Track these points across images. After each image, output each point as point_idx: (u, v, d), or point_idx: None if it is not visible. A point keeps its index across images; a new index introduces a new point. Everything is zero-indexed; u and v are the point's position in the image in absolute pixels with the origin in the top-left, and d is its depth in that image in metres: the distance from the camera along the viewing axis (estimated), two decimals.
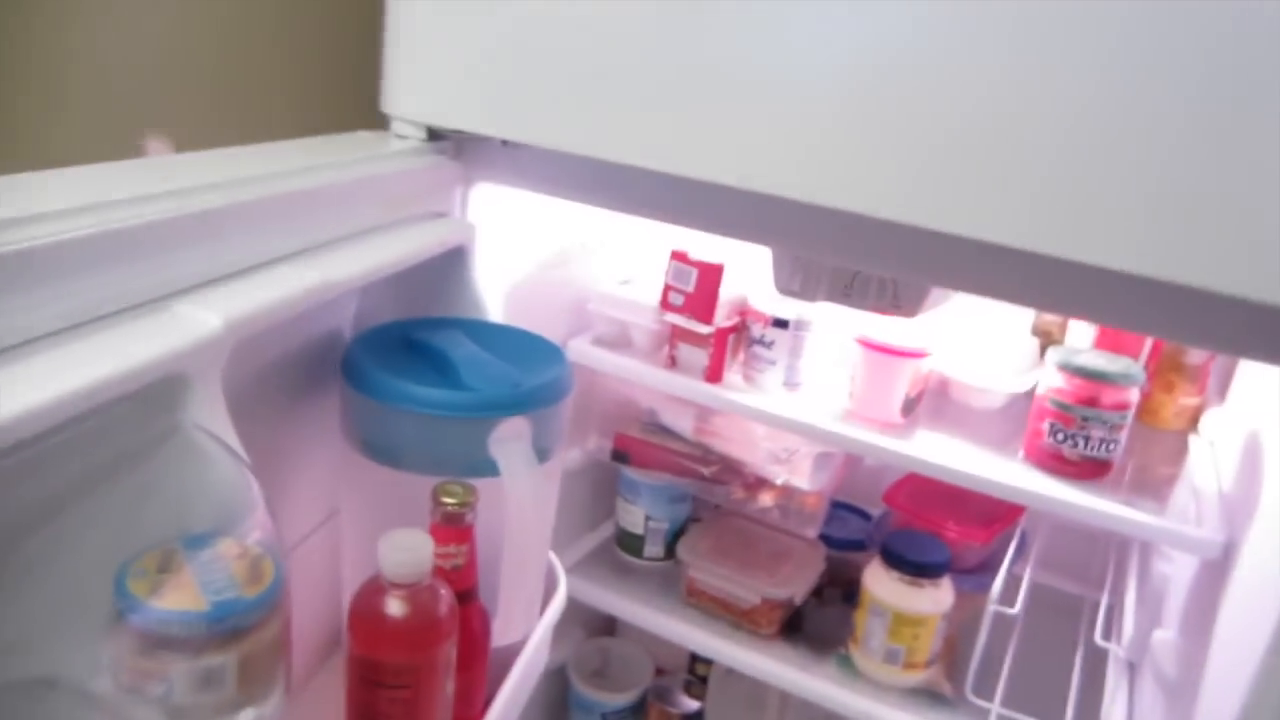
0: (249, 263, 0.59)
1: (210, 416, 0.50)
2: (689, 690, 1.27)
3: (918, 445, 0.93)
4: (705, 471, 1.09)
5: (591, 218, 1.10)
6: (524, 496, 0.67)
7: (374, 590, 0.60)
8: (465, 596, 0.67)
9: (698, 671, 1.29)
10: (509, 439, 0.68)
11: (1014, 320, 1.07)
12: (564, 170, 0.83)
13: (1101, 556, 1.21)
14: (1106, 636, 0.98)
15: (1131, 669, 1.10)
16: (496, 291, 0.95)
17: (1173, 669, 0.90)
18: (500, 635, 0.72)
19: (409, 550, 0.59)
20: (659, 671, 1.31)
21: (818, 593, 1.19)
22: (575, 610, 1.27)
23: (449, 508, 0.64)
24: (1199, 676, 0.82)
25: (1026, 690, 1.01)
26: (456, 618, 0.62)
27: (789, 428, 0.98)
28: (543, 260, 1.02)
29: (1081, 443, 0.85)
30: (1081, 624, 1.13)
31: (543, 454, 0.71)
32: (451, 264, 0.82)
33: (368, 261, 0.67)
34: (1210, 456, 0.96)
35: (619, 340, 1.09)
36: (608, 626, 1.43)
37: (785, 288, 0.83)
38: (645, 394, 1.13)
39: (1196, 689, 0.81)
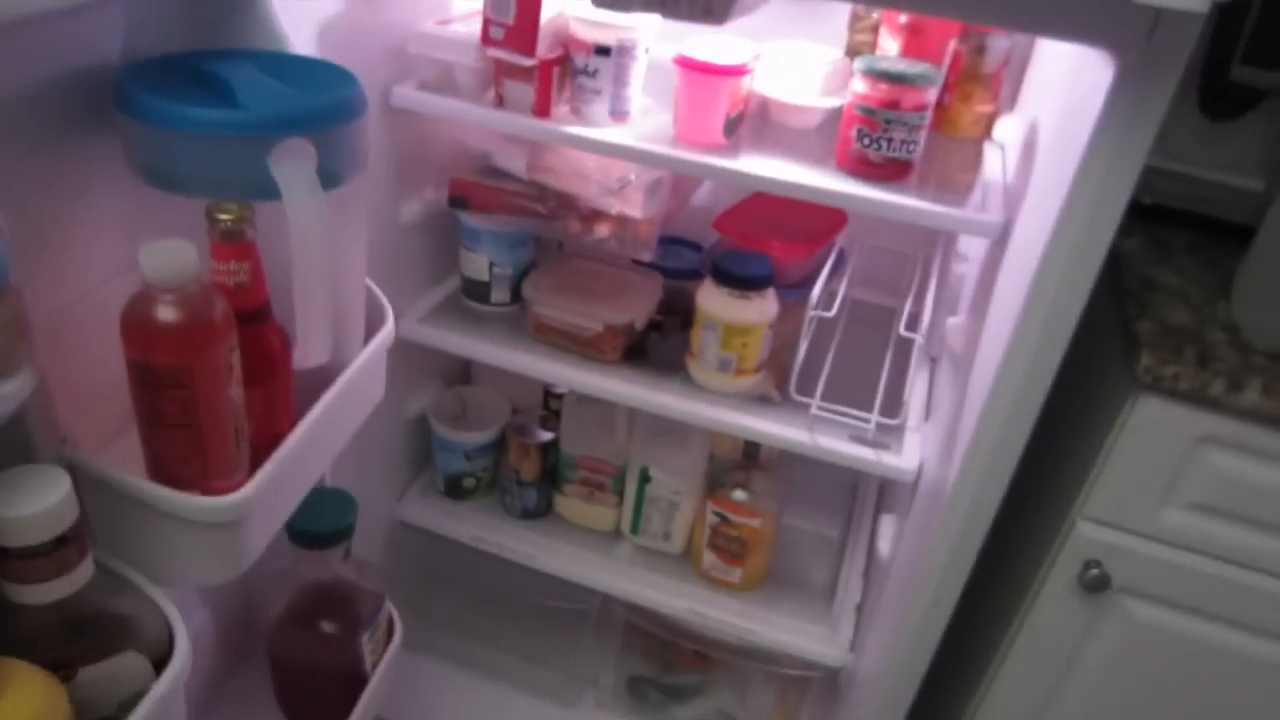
0: None
1: None
2: (544, 424, 1.35)
3: (741, 162, 0.98)
4: (542, 209, 1.11)
5: None
6: (304, 217, 0.68)
7: (142, 297, 0.61)
8: (256, 315, 0.69)
9: (551, 406, 1.37)
10: (289, 159, 0.67)
11: (828, 44, 1.11)
12: None
13: (911, 272, 1.33)
14: (908, 330, 1.10)
15: (933, 363, 1.24)
16: (304, 33, 0.92)
17: (959, 346, 1.02)
18: (301, 358, 0.74)
19: (168, 254, 0.60)
20: (515, 411, 1.39)
21: (659, 327, 1.26)
22: (430, 360, 1.32)
23: (224, 224, 0.65)
24: (976, 347, 0.94)
25: (843, 388, 1.13)
26: (231, 323, 0.64)
27: (618, 155, 1.00)
28: None
29: (885, 145, 0.92)
30: (893, 330, 1.25)
31: (331, 178, 0.71)
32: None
33: None
34: (1000, 156, 1.05)
35: (444, 83, 1.07)
36: (463, 375, 1.49)
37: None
38: (477, 137, 1.13)
39: (973, 358, 0.93)
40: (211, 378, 0.63)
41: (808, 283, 1.17)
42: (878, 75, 0.90)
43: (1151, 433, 0.88)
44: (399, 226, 1.18)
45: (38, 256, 0.67)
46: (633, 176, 1.08)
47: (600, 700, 1.44)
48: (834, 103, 1.04)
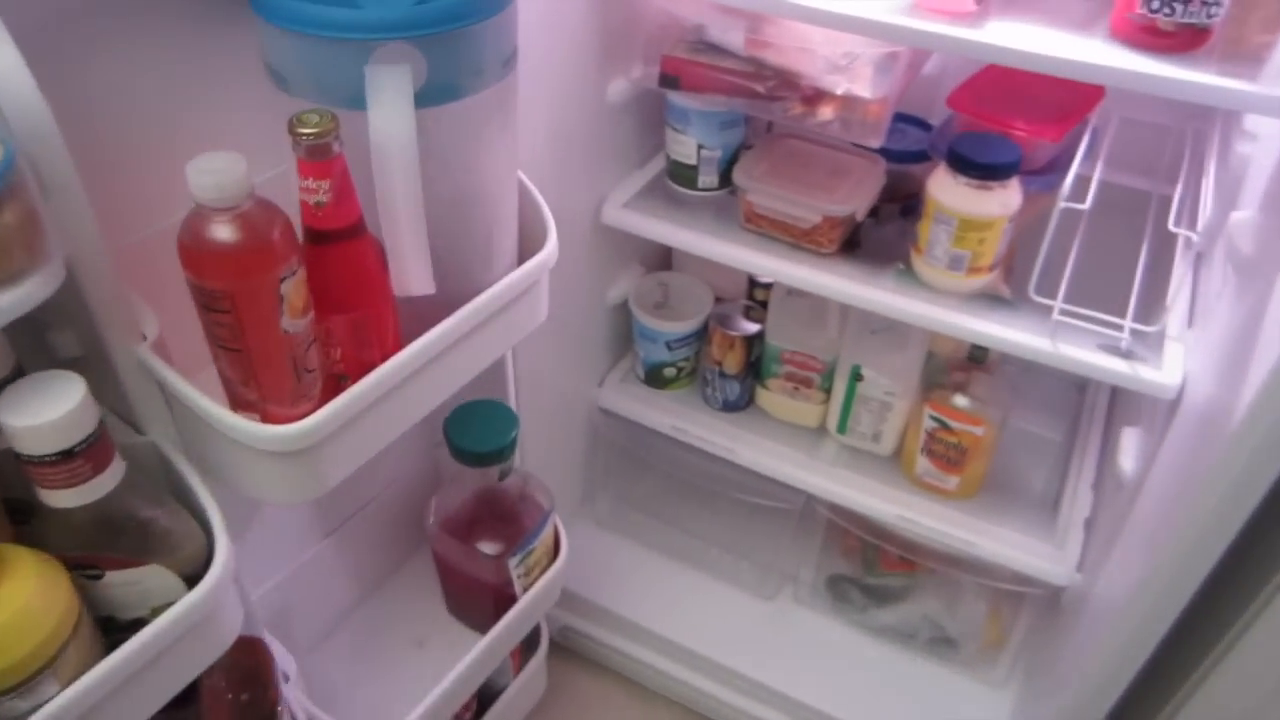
0: None
1: None
2: (748, 315, 1.29)
3: (993, 33, 0.85)
4: (760, 89, 1.02)
5: None
6: (381, 125, 0.61)
7: (194, 215, 0.57)
8: (345, 234, 0.64)
9: (756, 297, 1.31)
10: (384, 63, 0.61)
11: None
12: None
13: (1175, 149, 1.16)
14: (1178, 225, 0.96)
15: (1199, 259, 1.09)
16: None
17: (1249, 246, 0.88)
18: (398, 286, 0.69)
19: (213, 172, 0.55)
20: (718, 300, 1.34)
21: (874, 212, 1.16)
22: (633, 245, 1.28)
23: (305, 139, 0.58)
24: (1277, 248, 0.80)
25: (1088, 288, 1.01)
26: (289, 249, 0.59)
27: (850, 27, 0.89)
28: None
29: (1180, 8, 0.77)
30: (1149, 221, 1.10)
31: (448, 90, 0.64)
32: None
33: None
34: None
35: None
36: (664, 261, 1.44)
37: None
38: (690, 7, 1.04)
39: (1277, 259, 0.80)
40: (256, 305, 0.59)
41: (1053, 168, 1.04)
42: None
43: None
44: (605, 107, 1.12)
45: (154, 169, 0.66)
46: (860, 51, 0.97)
47: (799, 595, 1.43)
48: None
